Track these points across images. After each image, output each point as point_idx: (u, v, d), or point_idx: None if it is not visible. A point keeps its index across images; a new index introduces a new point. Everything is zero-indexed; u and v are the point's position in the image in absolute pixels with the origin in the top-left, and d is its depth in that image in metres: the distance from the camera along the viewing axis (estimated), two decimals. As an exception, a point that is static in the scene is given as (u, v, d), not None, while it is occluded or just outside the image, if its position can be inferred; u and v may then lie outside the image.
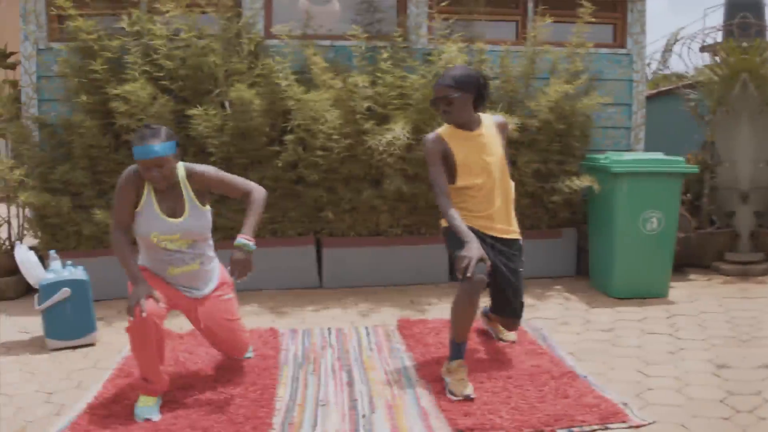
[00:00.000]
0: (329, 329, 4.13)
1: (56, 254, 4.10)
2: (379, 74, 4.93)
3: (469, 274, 2.94)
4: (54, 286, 3.84)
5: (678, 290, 4.95)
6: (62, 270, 3.97)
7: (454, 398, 2.98)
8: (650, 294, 4.72)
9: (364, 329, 4.13)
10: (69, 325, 3.87)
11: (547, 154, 5.19)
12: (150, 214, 2.93)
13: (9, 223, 5.46)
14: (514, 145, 5.07)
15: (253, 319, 4.37)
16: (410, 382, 3.25)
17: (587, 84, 5.40)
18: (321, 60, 4.82)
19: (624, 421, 2.74)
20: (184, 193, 2.98)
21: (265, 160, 4.96)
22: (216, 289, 3.19)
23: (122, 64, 4.81)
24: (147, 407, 2.88)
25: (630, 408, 2.86)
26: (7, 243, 5.34)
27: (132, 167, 2.94)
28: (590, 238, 5.14)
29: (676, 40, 6.73)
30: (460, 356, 3.13)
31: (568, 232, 5.44)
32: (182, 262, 3.01)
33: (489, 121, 3.39)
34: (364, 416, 2.85)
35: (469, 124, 3.29)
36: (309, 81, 4.93)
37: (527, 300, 4.67)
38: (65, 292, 3.84)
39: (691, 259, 5.51)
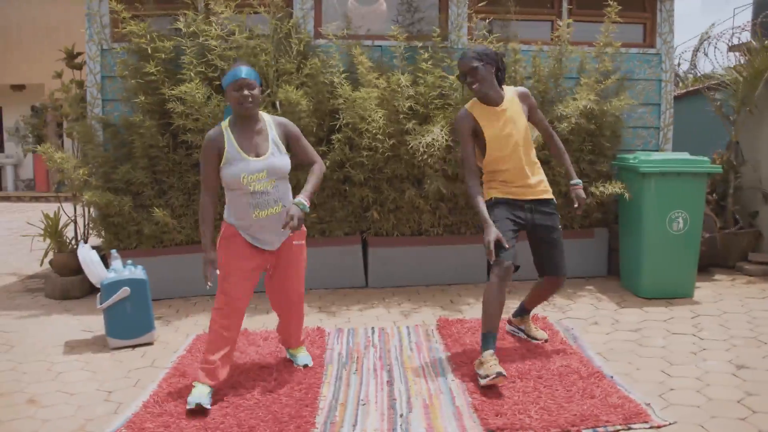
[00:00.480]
0: (373, 329, 4.36)
1: (117, 253, 4.37)
2: (419, 74, 5.12)
3: (493, 258, 3.33)
4: (114, 285, 4.09)
5: (703, 290, 5.09)
6: (123, 269, 4.23)
7: (484, 381, 3.22)
8: (677, 294, 4.87)
9: (406, 329, 4.35)
10: (129, 324, 4.13)
11: (579, 155, 5.34)
12: (235, 158, 3.16)
13: (75, 222, 5.78)
14: (547, 147, 5.22)
15: (301, 318, 4.64)
16: (446, 381, 3.47)
17: (618, 84, 5.53)
18: (366, 60, 5.01)
19: (646, 422, 2.92)
20: (269, 134, 3.25)
21: None
22: (292, 235, 3.36)
23: (178, 64, 5.02)
24: (200, 394, 3.14)
25: (652, 408, 3.04)
26: (73, 242, 5.66)
27: (210, 131, 3.22)
28: (620, 238, 5.28)
29: (704, 40, 6.76)
30: (490, 347, 3.39)
31: (600, 232, 5.59)
32: (266, 205, 3.21)
33: (511, 93, 3.61)
34: (401, 416, 3.07)
35: (495, 99, 3.53)
36: (355, 80, 5.13)
37: (560, 300, 4.89)
38: (125, 291, 4.09)
39: (716, 259, 5.63)
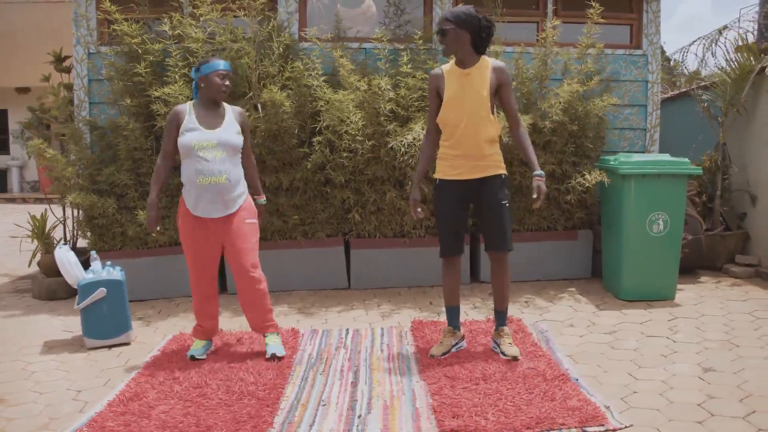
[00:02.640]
0: (347, 330, 4.37)
1: (97, 255, 4.41)
2: (399, 77, 5.13)
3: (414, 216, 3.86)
4: (91, 286, 4.15)
5: (686, 293, 5.05)
6: (101, 270, 4.28)
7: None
8: (658, 296, 4.82)
9: (380, 330, 4.36)
10: (105, 324, 4.18)
11: (562, 156, 5.31)
12: (192, 127, 3.66)
13: (64, 224, 5.84)
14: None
15: (280, 319, 4.64)
16: (411, 382, 3.47)
17: (603, 85, 5.50)
18: (348, 62, 5.03)
19: (602, 425, 2.90)
20: (226, 116, 3.76)
21: (295, 162, 5.20)
22: (242, 211, 3.76)
23: (164, 66, 5.08)
24: (195, 349, 3.85)
25: (611, 411, 3.02)
26: (61, 243, 5.72)
27: (177, 106, 3.78)
28: (602, 240, 5.25)
29: (697, 40, 6.72)
30: (450, 323, 3.90)
31: (585, 233, 5.55)
32: (210, 173, 3.62)
33: (486, 63, 3.60)
34: (360, 416, 3.08)
35: (463, 62, 3.59)
36: (339, 83, 5.16)
37: (539, 302, 4.88)
38: (101, 292, 4.15)
39: (703, 262, 5.57)
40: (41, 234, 5.53)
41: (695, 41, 6.62)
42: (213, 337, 4.03)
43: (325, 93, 4.97)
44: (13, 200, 14.25)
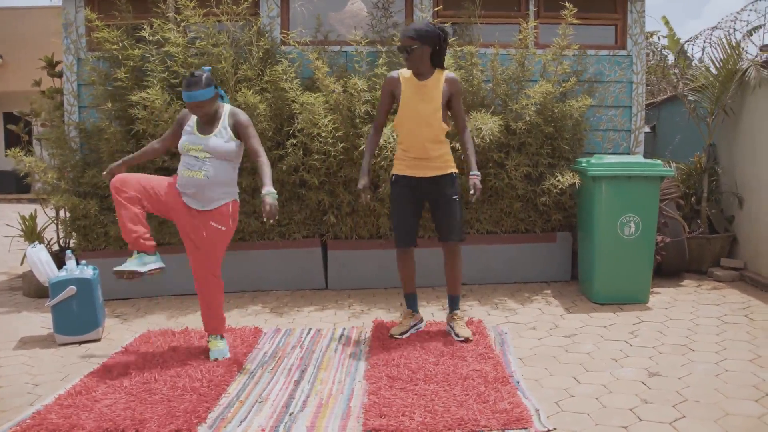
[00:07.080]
0: (309, 330, 4.42)
1: (72, 254, 4.54)
2: (376, 78, 5.17)
3: (362, 201, 4.15)
4: (61, 284, 4.28)
5: (661, 296, 4.96)
6: (74, 269, 4.40)
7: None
8: (630, 300, 4.75)
9: (341, 330, 4.39)
10: (75, 321, 4.30)
11: (537, 158, 5.27)
12: (189, 131, 3.85)
13: (57, 224, 6.02)
14: (504, 149, 5.21)
15: (250, 318, 4.74)
16: (353, 382, 3.50)
17: (586, 86, 5.44)
18: (323, 65, 5.08)
19: (525, 428, 2.88)
20: (220, 122, 3.81)
21: (270, 164, 5.25)
22: (214, 214, 3.80)
23: (144, 71, 5.19)
24: (128, 262, 3.75)
25: (539, 415, 3.00)
26: (52, 242, 5.90)
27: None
28: (579, 243, 5.19)
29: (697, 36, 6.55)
30: (409, 306, 4.25)
31: (564, 236, 5.50)
32: (193, 167, 3.77)
33: (440, 75, 3.93)
34: (291, 414, 3.12)
35: (422, 74, 3.90)
36: (316, 86, 5.21)
37: (510, 304, 4.86)
38: (71, 290, 4.27)
39: (687, 265, 5.45)
40: (31, 234, 5.71)
41: (688, 40, 6.46)
42: (155, 250, 3.83)
43: (297, 96, 5.02)
44: (35, 200, 14.63)
